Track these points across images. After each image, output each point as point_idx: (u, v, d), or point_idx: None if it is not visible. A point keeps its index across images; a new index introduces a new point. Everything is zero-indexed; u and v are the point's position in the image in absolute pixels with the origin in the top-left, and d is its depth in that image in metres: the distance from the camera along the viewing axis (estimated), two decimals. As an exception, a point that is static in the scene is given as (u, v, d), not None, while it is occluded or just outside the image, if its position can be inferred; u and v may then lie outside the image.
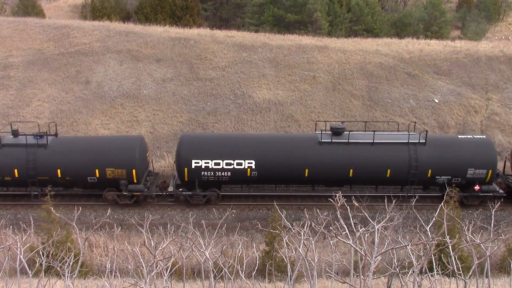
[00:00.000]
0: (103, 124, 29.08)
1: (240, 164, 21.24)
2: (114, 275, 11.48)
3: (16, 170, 21.08)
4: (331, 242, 11.92)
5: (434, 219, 11.69)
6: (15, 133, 22.07)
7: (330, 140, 21.62)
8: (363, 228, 9.40)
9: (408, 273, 9.75)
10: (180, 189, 22.29)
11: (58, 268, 10.75)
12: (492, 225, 11.65)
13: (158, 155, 27.47)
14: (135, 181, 21.60)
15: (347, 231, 9.45)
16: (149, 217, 12.27)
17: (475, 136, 22.87)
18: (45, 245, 13.88)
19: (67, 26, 36.62)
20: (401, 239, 11.73)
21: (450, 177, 21.85)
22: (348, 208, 10.12)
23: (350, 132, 22.17)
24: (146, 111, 30.09)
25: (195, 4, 48.41)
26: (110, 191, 22.05)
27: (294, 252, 11.77)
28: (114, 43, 34.49)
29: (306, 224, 10.59)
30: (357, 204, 9.90)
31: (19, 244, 10.32)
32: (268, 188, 23.98)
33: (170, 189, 22.61)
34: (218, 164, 21.22)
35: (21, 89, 30.90)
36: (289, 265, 10.89)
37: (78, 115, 29.42)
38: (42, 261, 10.82)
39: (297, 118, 29.83)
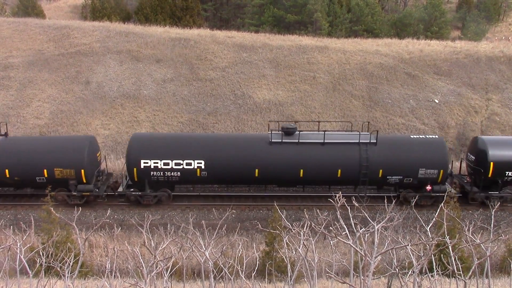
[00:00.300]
0: (103, 125, 29.10)
1: (190, 164, 21.16)
2: (114, 276, 11.49)
3: None
4: (331, 242, 11.93)
5: (434, 219, 11.69)
6: None
7: (280, 140, 21.50)
8: (363, 229, 9.41)
9: (408, 273, 9.75)
10: (132, 189, 22.22)
11: (58, 269, 10.75)
12: (492, 225, 11.66)
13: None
14: (85, 181, 21.60)
15: (347, 231, 9.46)
16: (149, 218, 12.28)
17: (427, 136, 22.69)
18: (45, 245, 13.88)
19: (67, 27, 36.64)
20: (401, 239, 11.73)
21: (401, 177, 21.78)
22: (349, 208, 10.13)
23: (301, 132, 22.10)
24: (146, 111, 30.11)
25: (195, 4, 48.41)
26: (60, 191, 21.99)
27: (294, 253, 11.78)
28: (114, 44, 34.51)
29: (306, 225, 10.59)
30: (357, 205, 9.90)
31: (19, 244, 10.32)
32: (269, 188, 23.98)
33: (120, 189, 22.55)
34: (167, 164, 21.16)
35: (21, 90, 30.92)
36: (289, 265, 10.89)
37: (78, 116, 29.43)
38: (42, 261, 10.82)
39: (297, 118, 29.83)
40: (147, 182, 21.67)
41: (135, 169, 21.28)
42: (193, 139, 22.34)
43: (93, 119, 29.35)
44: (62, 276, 10.28)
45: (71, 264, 10.33)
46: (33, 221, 13.77)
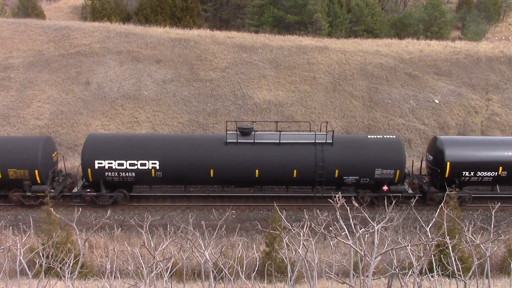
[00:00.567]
0: (103, 125, 29.11)
1: (144, 164, 21.09)
2: (114, 276, 11.49)
3: None
4: (331, 243, 11.92)
5: (434, 219, 11.68)
6: None
7: (236, 140, 21.43)
8: (362, 229, 9.40)
9: (408, 273, 9.75)
10: (88, 190, 22.13)
11: (58, 269, 10.76)
12: (492, 225, 11.65)
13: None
14: (39, 181, 21.52)
15: (346, 231, 9.46)
16: (149, 218, 12.28)
17: (385, 136, 22.59)
18: (45, 246, 13.88)
19: (67, 27, 36.66)
20: (401, 239, 11.72)
21: (358, 177, 21.70)
22: (348, 208, 10.12)
23: (256, 132, 22.02)
24: (147, 112, 30.12)
25: (195, 5, 48.44)
26: (16, 191, 21.94)
27: (294, 253, 11.77)
28: (114, 44, 34.53)
29: (306, 225, 10.59)
30: (357, 205, 9.90)
31: (19, 245, 10.33)
32: (268, 188, 23.98)
33: (75, 190, 22.44)
34: (122, 164, 21.09)
35: (22, 90, 30.93)
36: (289, 266, 10.89)
37: (78, 116, 29.44)
38: (42, 262, 10.82)
39: (297, 119, 29.84)
40: (102, 182, 21.57)
41: (89, 169, 21.18)
42: (148, 139, 22.20)
43: (93, 119, 29.36)
44: (62, 277, 10.29)
45: (71, 264, 10.34)
46: (32, 222, 13.76)
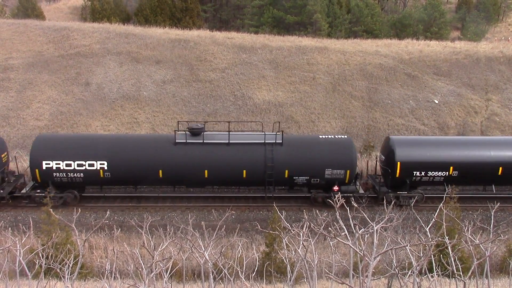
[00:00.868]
0: (103, 126, 29.12)
1: (92, 165, 21.04)
2: (114, 277, 11.49)
3: None
4: (330, 243, 11.93)
5: (433, 220, 11.68)
6: None
7: (185, 141, 21.36)
8: (362, 229, 9.41)
9: (408, 274, 9.75)
10: (38, 191, 22.02)
11: (58, 270, 10.76)
12: (492, 225, 11.65)
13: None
14: None
15: (346, 232, 9.46)
16: (149, 219, 12.28)
17: (336, 136, 22.53)
18: (45, 246, 13.88)
19: (67, 28, 36.67)
20: (400, 240, 11.72)
21: (308, 177, 21.64)
22: (348, 209, 10.13)
23: (206, 133, 21.97)
24: (146, 112, 30.12)
25: (195, 5, 48.46)
26: None
27: (294, 253, 11.77)
28: (114, 45, 34.54)
29: (305, 225, 10.60)
30: (356, 205, 9.91)
31: (18, 246, 10.33)
32: (268, 189, 23.94)
33: (23, 190, 22.34)
34: (70, 165, 21.04)
35: (21, 91, 30.94)
36: (288, 266, 10.90)
37: (78, 117, 29.44)
38: (42, 262, 10.82)
39: (297, 119, 29.85)
40: (51, 183, 21.51)
41: (37, 170, 21.13)
42: (96, 140, 22.16)
43: (93, 120, 29.37)
44: (62, 278, 10.29)
45: (70, 265, 10.34)
46: (32, 223, 13.77)
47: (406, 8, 57.78)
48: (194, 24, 45.74)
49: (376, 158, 24.92)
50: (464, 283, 9.60)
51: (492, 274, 16.64)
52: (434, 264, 11.18)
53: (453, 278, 11.39)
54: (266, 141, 21.46)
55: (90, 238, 18.60)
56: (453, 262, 10.33)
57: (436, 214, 11.66)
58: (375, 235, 8.73)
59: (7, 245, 11.27)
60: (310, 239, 10.73)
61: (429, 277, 11.10)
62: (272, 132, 22.47)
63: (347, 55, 34.61)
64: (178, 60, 33.68)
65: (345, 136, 22.71)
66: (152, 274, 9.72)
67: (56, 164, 20.99)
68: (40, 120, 29.02)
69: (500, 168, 22.02)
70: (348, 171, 21.64)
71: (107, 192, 23.70)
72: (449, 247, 10.68)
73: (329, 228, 10.71)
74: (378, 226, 8.95)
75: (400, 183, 22.23)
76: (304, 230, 10.34)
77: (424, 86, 32.62)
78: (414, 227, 16.82)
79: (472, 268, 10.07)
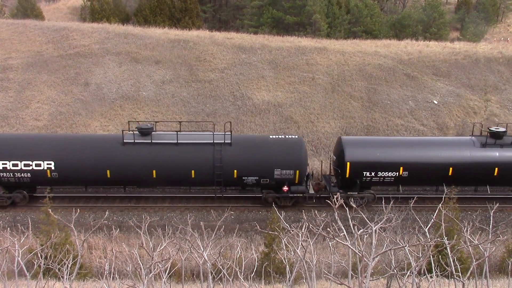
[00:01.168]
0: (102, 126, 29.10)
1: (39, 165, 20.98)
2: (113, 277, 11.47)
3: None
4: (330, 243, 11.92)
5: (432, 220, 11.68)
6: None
7: (133, 141, 21.29)
8: (361, 230, 9.40)
9: (407, 274, 9.75)
10: None
11: (57, 270, 10.74)
12: (491, 226, 11.65)
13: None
14: None
15: (345, 232, 9.46)
16: (148, 219, 12.26)
17: (287, 136, 22.49)
18: (44, 247, 13.85)
19: (66, 28, 36.65)
20: (399, 240, 11.72)
21: (257, 177, 21.59)
22: (347, 209, 10.13)
23: (155, 132, 21.92)
24: (145, 112, 30.11)
25: (194, 6, 48.46)
26: None
27: (293, 254, 11.76)
28: (113, 45, 34.53)
29: (304, 226, 10.59)
30: (354, 206, 9.90)
31: (17, 246, 10.32)
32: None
33: None
34: (16, 165, 21.01)
35: (20, 91, 30.92)
36: (287, 266, 10.89)
37: (77, 117, 29.43)
38: (41, 263, 10.80)
39: (296, 119, 29.85)
40: None
41: None
42: (43, 140, 22.12)
43: (92, 120, 29.35)
44: (61, 278, 10.28)
45: (69, 265, 10.32)
46: (31, 223, 13.74)
47: (406, 8, 57.83)
48: (193, 25, 45.74)
49: (329, 158, 24.76)
50: (463, 283, 9.60)
51: (491, 275, 16.64)
52: (433, 264, 11.18)
53: (452, 279, 11.38)
54: (215, 141, 21.39)
55: (89, 238, 18.59)
56: (452, 262, 10.32)
57: (435, 215, 11.65)
58: (374, 236, 8.73)
59: (6, 245, 11.26)
60: (309, 240, 10.72)
61: (428, 277, 11.09)
62: (224, 132, 22.21)
63: (347, 55, 34.62)
64: (177, 60, 33.67)
65: (296, 136, 22.62)
66: (151, 274, 9.71)
67: (2, 164, 20.95)
68: (39, 120, 28.99)
69: (451, 169, 21.81)
70: (297, 171, 21.54)
71: (106, 192, 23.70)
72: (448, 247, 10.67)
73: (328, 229, 10.70)
74: (377, 226, 8.94)
75: (351, 183, 22.09)
76: (303, 231, 10.34)
77: (423, 87, 32.64)
78: (413, 227, 16.81)
79: (471, 268, 10.06)
